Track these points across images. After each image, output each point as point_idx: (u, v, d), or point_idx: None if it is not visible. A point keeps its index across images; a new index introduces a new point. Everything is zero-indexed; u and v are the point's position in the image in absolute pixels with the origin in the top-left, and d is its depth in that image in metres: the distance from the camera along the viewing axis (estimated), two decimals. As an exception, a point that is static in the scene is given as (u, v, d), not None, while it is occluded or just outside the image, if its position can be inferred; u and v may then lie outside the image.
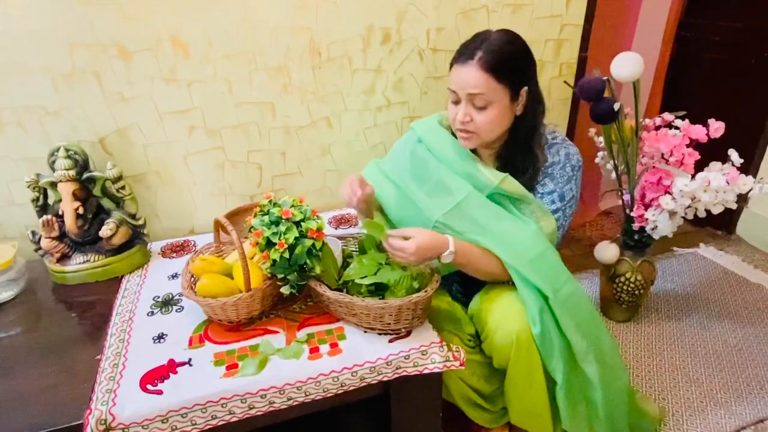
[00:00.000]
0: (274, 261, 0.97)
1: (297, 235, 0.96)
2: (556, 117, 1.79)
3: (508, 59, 1.01)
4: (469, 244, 1.04)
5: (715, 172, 1.38)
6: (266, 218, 0.97)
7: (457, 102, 1.06)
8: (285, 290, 1.01)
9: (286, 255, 0.96)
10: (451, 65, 1.06)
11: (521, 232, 1.04)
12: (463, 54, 1.02)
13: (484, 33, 1.04)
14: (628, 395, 1.18)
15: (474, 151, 1.13)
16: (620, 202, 1.62)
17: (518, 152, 1.10)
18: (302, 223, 0.97)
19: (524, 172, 1.10)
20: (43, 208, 1.20)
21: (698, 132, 1.42)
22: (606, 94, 1.36)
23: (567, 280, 1.04)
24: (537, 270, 1.02)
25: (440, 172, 1.11)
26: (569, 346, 1.05)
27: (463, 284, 1.25)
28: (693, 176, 1.40)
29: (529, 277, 1.01)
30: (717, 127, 1.43)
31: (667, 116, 1.49)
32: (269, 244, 0.96)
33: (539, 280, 1.01)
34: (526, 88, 1.04)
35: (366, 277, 1.01)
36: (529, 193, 1.08)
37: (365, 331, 1.00)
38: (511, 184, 1.07)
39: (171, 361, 0.93)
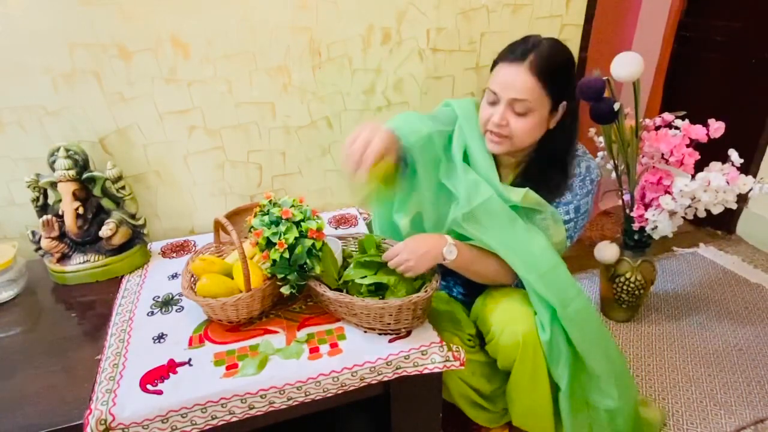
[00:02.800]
0: (274, 261, 0.97)
1: (297, 235, 0.96)
2: (556, 117, 1.79)
3: (558, 68, 0.97)
4: (467, 244, 1.03)
5: (715, 172, 1.38)
6: (266, 218, 0.97)
7: (494, 103, 1.00)
8: (285, 290, 1.01)
9: (286, 255, 0.96)
10: (495, 63, 1.01)
11: (535, 244, 1.03)
12: (513, 53, 0.97)
13: (535, 37, 0.99)
14: (634, 404, 1.18)
15: (495, 160, 1.08)
16: (620, 202, 1.62)
17: (551, 168, 1.07)
18: (302, 223, 0.97)
19: (556, 188, 1.06)
20: (43, 208, 1.20)
21: (698, 132, 1.42)
22: (606, 94, 1.36)
23: (576, 296, 1.03)
24: (548, 285, 1.01)
25: (465, 168, 1.06)
26: (575, 354, 1.04)
27: (465, 285, 1.25)
28: (693, 176, 1.40)
29: (540, 291, 1.01)
30: (717, 127, 1.43)
31: (667, 116, 1.49)
32: (269, 244, 0.96)
33: (549, 295, 1.00)
34: (565, 102, 1.01)
35: (366, 277, 1.01)
36: (546, 202, 1.05)
37: (365, 331, 1.00)
38: (531, 198, 1.04)
39: (171, 361, 0.93)
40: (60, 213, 1.18)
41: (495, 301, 1.09)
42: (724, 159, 1.41)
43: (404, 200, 1.12)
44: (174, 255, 1.32)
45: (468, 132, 1.07)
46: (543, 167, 1.08)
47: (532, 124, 0.99)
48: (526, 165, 1.11)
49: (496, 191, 1.04)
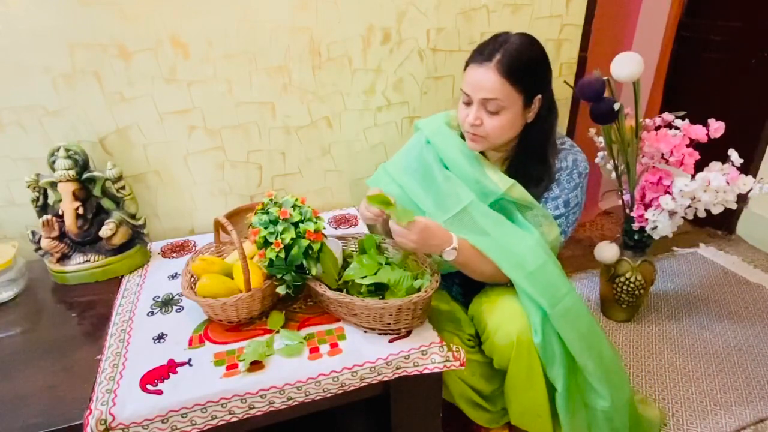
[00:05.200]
0: (271, 260, 0.97)
1: (294, 235, 0.96)
2: (556, 117, 1.79)
3: (526, 64, 0.99)
4: (472, 245, 1.03)
5: (715, 172, 1.38)
6: (265, 217, 0.97)
7: (468, 103, 1.04)
8: (280, 290, 1.00)
9: (282, 255, 0.96)
10: (467, 65, 1.04)
11: (522, 243, 1.03)
12: (481, 55, 1.00)
13: (504, 35, 1.02)
14: (629, 404, 1.18)
15: (482, 154, 1.12)
16: (620, 202, 1.62)
17: (531, 161, 1.09)
18: (300, 225, 0.97)
19: (539, 181, 1.09)
20: (43, 208, 1.20)
21: (698, 132, 1.42)
22: (606, 94, 1.36)
23: (567, 294, 1.03)
24: (535, 283, 1.01)
25: (446, 177, 1.10)
26: (570, 354, 1.04)
27: (463, 285, 1.25)
28: (693, 176, 1.40)
29: (527, 290, 1.01)
30: (717, 127, 1.43)
31: (667, 116, 1.49)
32: (266, 243, 0.96)
33: (537, 294, 1.00)
34: (540, 95, 1.03)
35: (366, 277, 1.01)
36: (534, 200, 1.07)
37: (365, 331, 1.00)
38: (518, 192, 1.05)
39: (171, 361, 0.93)
40: (60, 213, 1.18)
41: (491, 300, 1.09)
42: (724, 159, 1.41)
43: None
44: (174, 255, 1.32)
45: (441, 143, 1.13)
46: (526, 160, 1.10)
47: (506, 121, 1.02)
48: (511, 160, 1.12)
49: (480, 189, 1.06)
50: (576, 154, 1.11)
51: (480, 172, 1.07)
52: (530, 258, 1.02)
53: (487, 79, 0.98)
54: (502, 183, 1.05)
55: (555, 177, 1.09)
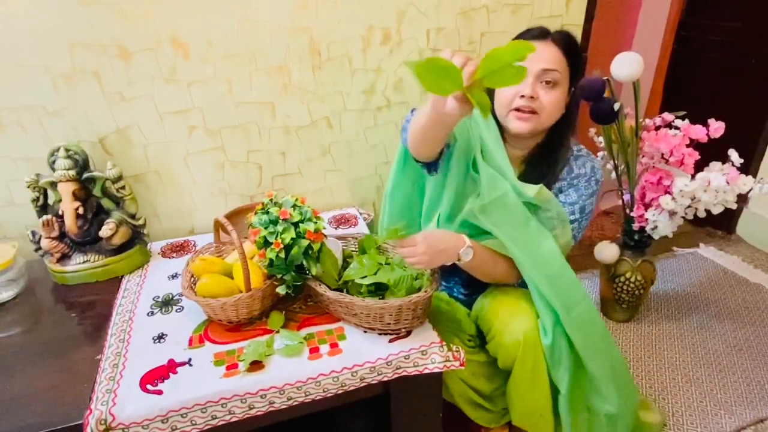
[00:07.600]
0: (271, 260, 0.97)
1: (294, 236, 0.96)
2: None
3: (576, 47, 1.02)
4: (482, 245, 1.02)
5: (715, 172, 1.38)
6: (265, 217, 0.97)
7: None
8: (281, 290, 1.00)
9: (282, 255, 0.96)
10: None
11: (545, 245, 1.02)
12: (533, 33, 1.01)
13: (544, 27, 1.03)
14: (634, 410, 1.18)
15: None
16: (620, 202, 1.62)
17: (546, 156, 1.08)
18: (300, 225, 0.97)
19: (545, 174, 1.08)
20: (43, 208, 1.20)
21: (698, 132, 1.42)
22: (606, 94, 1.36)
23: (582, 299, 1.03)
24: (555, 286, 1.00)
25: (492, 156, 1.05)
26: (577, 358, 1.04)
27: (466, 285, 1.25)
28: (693, 176, 1.40)
29: (545, 292, 1.00)
30: (717, 127, 1.43)
31: (667, 116, 1.49)
32: (266, 243, 0.96)
33: (554, 297, 1.00)
34: (573, 89, 1.04)
35: (366, 277, 1.01)
36: (557, 201, 1.05)
37: (365, 331, 1.00)
38: (545, 195, 1.04)
39: (171, 361, 0.93)
40: (60, 213, 1.18)
41: (497, 300, 1.09)
42: (724, 159, 1.41)
43: (434, 202, 1.14)
44: (174, 255, 1.32)
45: (483, 125, 1.06)
46: (541, 157, 1.09)
47: (559, 98, 1.00)
48: (532, 159, 1.10)
49: (511, 185, 1.03)
50: (593, 161, 1.10)
51: (509, 169, 1.04)
52: (552, 259, 1.01)
53: (548, 51, 0.98)
54: (530, 190, 1.02)
55: (560, 173, 1.09)
